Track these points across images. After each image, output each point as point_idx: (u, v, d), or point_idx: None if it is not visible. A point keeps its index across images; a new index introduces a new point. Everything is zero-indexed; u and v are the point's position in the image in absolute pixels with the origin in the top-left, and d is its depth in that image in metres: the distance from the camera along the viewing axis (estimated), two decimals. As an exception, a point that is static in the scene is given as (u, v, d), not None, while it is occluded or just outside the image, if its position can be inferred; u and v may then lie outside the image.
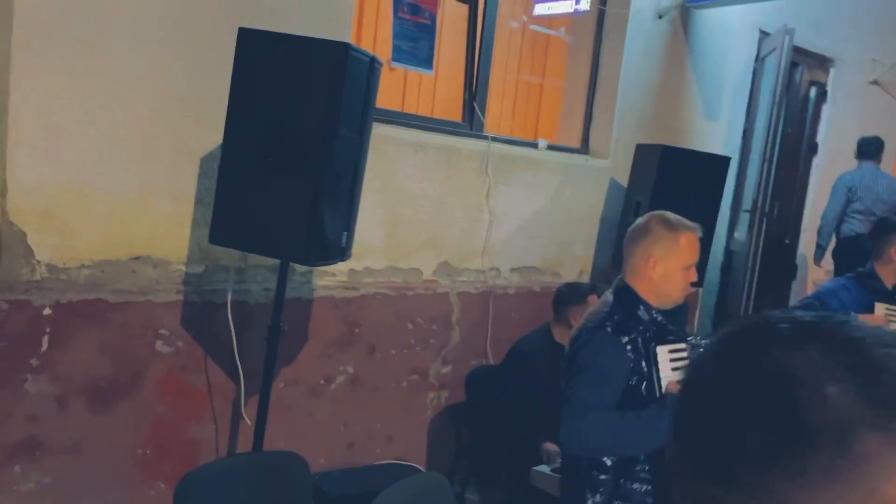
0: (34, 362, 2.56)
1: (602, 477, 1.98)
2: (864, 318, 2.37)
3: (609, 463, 1.98)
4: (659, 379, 1.95)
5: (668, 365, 1.96)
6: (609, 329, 1.98)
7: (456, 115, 3.99)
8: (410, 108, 3.98)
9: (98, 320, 2.70)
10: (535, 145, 4.11)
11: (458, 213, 3.76)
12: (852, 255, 4.54)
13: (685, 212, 3.83)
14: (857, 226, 5.03)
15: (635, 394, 1.96)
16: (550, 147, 4.18)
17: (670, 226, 2.07)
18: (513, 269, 4.05)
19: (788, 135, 5.31)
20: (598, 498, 1.98)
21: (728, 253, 5.05)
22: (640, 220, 2.15)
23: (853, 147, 5.36)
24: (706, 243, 3.99)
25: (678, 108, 4.70)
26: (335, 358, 3.37)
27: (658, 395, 1.95)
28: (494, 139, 3.86)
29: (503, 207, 3.91)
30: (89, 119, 2.61)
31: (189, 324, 2.91)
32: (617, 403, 1.94)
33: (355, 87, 2.43)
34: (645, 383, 1.96)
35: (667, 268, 2.03)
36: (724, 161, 3.95)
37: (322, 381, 3.34)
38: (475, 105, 3.89)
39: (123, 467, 2.80)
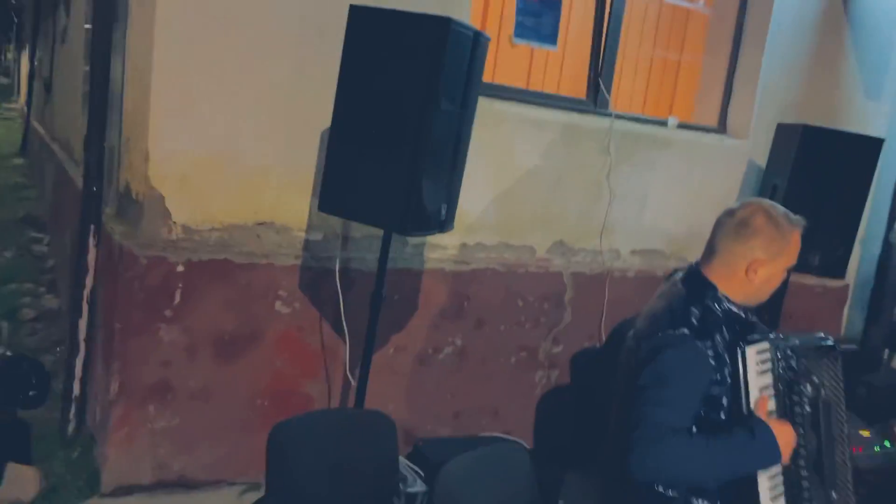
0: (168, 313, 2.85)
1: (662, 491, 1.83)
2: None
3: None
4: (748, 386, 1.75)
5: (755, 368, 1.76)
6: (688, 332, 1.78)
7: (582, 92, 3.91)
8: (535, 86, 3.95)
9: (225, 279, 2.95)
10: (664, 123, 3.94)
11: (576, 192, 3.70)
12: None
13: (828, 197, 3.59)
14: None
15: (716, 405, 1.77)
16: (682, 126, 4.00)
17: (779, 225, 1.85)
18: (633, 252, 3.93)
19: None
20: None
21: (887, 246, 4.57)
22: (739, 212, 1.89)
23: None
24: (849, 232, 3.67)
25: (833, 85, 4.30)
26: (444, 329, 3.45)
27: (746, 404, 1.75)
28: (619, 116, 3.75)
29: (625, 187, 3.80)
30: (223, 93, 2.85)
31: (306, 287, 3.11)
32: (697, 418, 1.75)
33: (457, 61, 2.46)
34: (728, 393, 1.77)
35: (771, 271, 1.85)
36: (875, 143, 3.58)
37: (431, 351, 3.44)
38: (600, 82, 3.80)
39: (244, 415, 3.05)
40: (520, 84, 3.85)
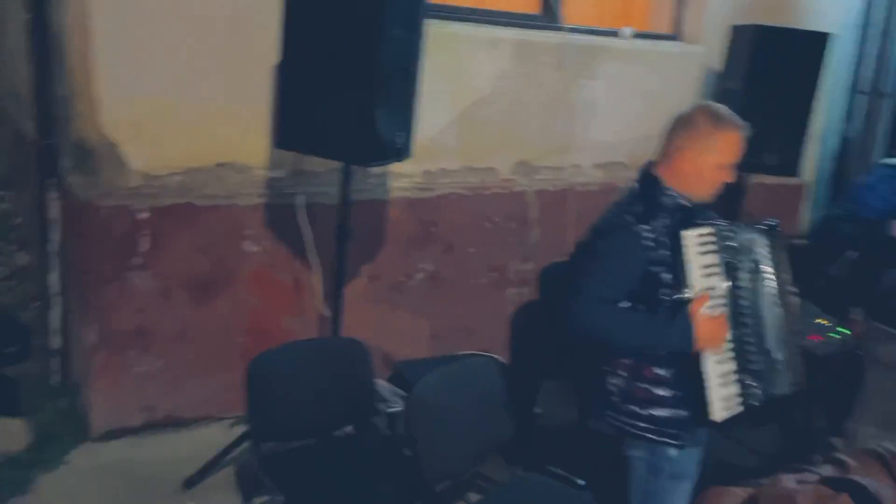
0: (137, 261, 2.88)
1: (624, 360, 2.00)
2: None
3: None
4: (687, 266, 1.90)
5: (697, 250, 1.91)
6: (631, 218, 1.94)
7: (535, 7, 3.87)
8: (487, 4, 3.90)
9: (190, 223, 2.97)
10: (618, 34, 3.93)
11: (535, 111, 3.72)
12: None
13: (780, 97, 3.63)
14: None
15: (656, 282, 1.92)
16: (637, 35, 3.99)
17: (715, 120, 1.96)
18: (596, 166, 3.99)
19: (924, 4, 4.71)
20: (619, 383, 2.01)
21: (844, 141, 4.66)
22: (687, 111, 2.05)
23: None
24: (800, 130, 3.74)
25: (786, -18, 4.29)
26: (414, 256, 3.52)
27: (686, 282, 1.90)
28: (573, 30, 3.73)
29: (584, 102, 3.81)
30: (166, 35, 2.80)
31: (273, 225, 3.14)
32: (634, 293, 1.92)
33: (401, -14, 2.44)
34: (670, 272, 1.91)
35: (699, 163, 1.95)
36: (821, 38, 3.60)
37: (403, 278, 3.52)
38: (552, -6, 3.76)
39: (225, 353, 3.13)
40: (469, 3, 3.80)
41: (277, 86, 2.61)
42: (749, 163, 3.72)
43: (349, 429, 2.59)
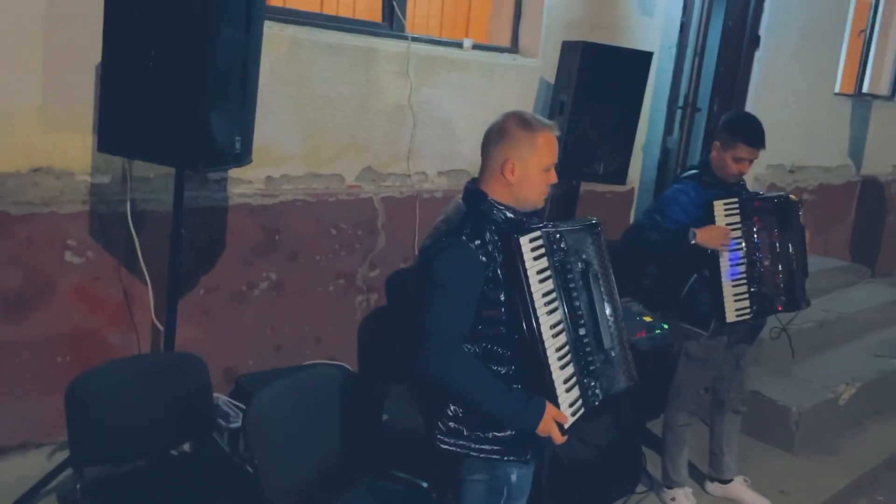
0: (-64, 275, 2.58)
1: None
2: (702, 234, 2.40)
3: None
4: (526, 272, 1.88)
5: (531, 255, 1.91)
6: (461, 237, 1.88)
7: (378, 16, 3.89)
8: (330, 10, 3.87)
9: (2, 233, 2.70)
10: (459, 45, 4.04)
11: (380, 118, 3.73)
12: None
13: (608, 109, 3.88)
14: None
15: (493, 303, 1.89)
16: (477, 47, 4.11)
17: (527, 125, 1.96)
18: (440, 173, 4.06)
19: (730, 28, 5.23)
20: (456, 408, 1.93)
21: (665, 151, 5.07)
22: (496, 121, 2.02)
23: (797, 40, 5.30)
24: (628, 141, 4.02)
25: (612, 3, 4.59)
26: (256, 265, 3.41)
27: (526, 290, 1.87)
28: (415, 39, 3.78)
29: (427, 110, 3.87)
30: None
31: (98, 234, 2.93)
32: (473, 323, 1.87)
33: (234, -15, 2.36)
34: (502, 289, 1.88)
35: (525, 170, 1.94)
36: (645, 56, 3.90)
37: (244, 288, 3.39)
38: (395, 4, 3.79)
39: (44, 374, 2.87)
40: (313, 9, 3.76)
41: (101, 85, 2.44)
42: (580, 171, 4.04)
43: (186, 447, 2.46)
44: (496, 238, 1.91)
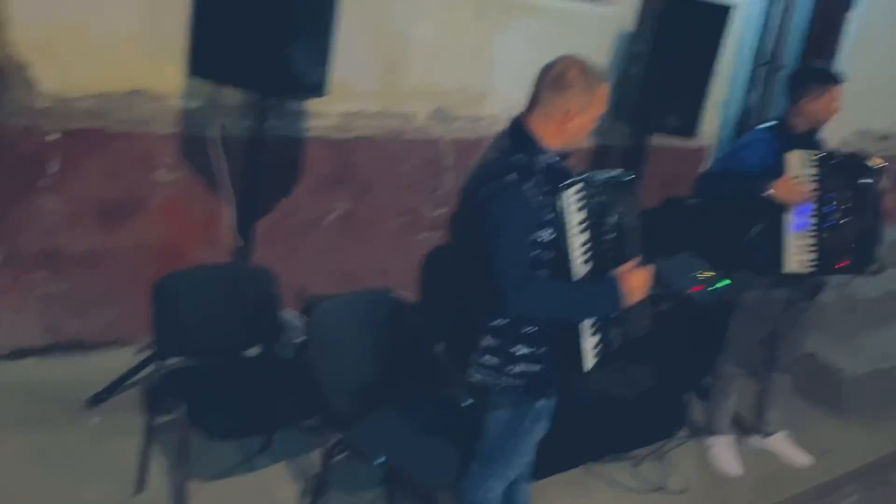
0: (46, 183, 2.88)
1: (496, 322, 2.01)
2: (778, 186, 2.42)
3: None
4: (568, 223, 1.94)
5: (574, 207, 1.96)
6: (513, 178, 1.91)
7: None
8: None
9: (102, 148, 2.98)
10: (537, -10, 4.05)
11: (455, 60, 3.82)
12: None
13: (683, 62, 3.85)
14: None
15: (544, 245, 1.94)
16: (555, -7, 4.12)
17: (590, 78, 1.99)
18: (510, 118, 4.12)
19: (826, -15, 5.01)
20: (495, 342, 2.02)
21: (745, 108, 4.96)
22: (557, 66, 2.03)
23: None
24: (700, 94, 3.98)
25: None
26: (328, 195, 3.61)
27: (567, 240, 1.95)
28: (494, -18, 3.83)
29: (502, 55, 3.93)
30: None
31: (187, 155, 3.17)
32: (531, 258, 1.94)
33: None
34: (551, 233, 1.94)
35: (583, 120, 1.99)
36: (724, 11, 3.82)
37: (317, 215, 3.61)
38: (475, -53, 3.83)
39: (135, 279, 3.16)
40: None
41: (193, 12, 2.62)
42: (651, 123, 4.04)
43: (256, 351, 2.70)
44: (543, 182, 1.95)
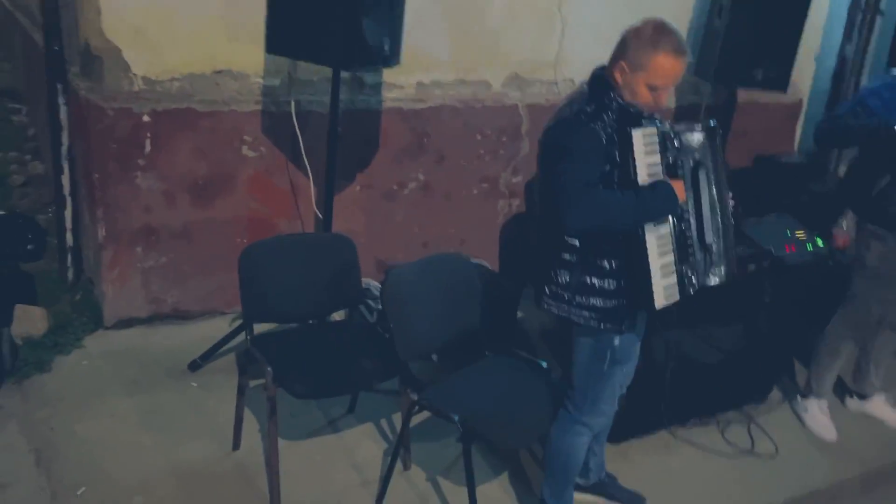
0: (141, 162, 3.06)
1: (568, 257, 2.10)
2: None
3: (577, 244, 2.08)
4: (635, 163, 1.99)
5: (643, 149, 2.00)
6: (583, 117, 2.01)
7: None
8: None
9: (190, 127, 3.13)
10: (614, -53, 3.94)
11: (529, 24, 3.78)
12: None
13: (771, 12, 3.66)
14: None
15: (609, 181, 2.02)
16: (633, -51, 3.99)
17: (654, 40, 2.00)
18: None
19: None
20: (567, 277, 2.11)
21: (841, 60, 4.67)
22: (639, 23, 2.08)
23: None
24: (790, 46, 3.77)
25: None
26: (406, 165, 3.67)
27: (633, 177, 1.99)
28: (566, -57, 3.75)
29: (577, 16, 3.86)
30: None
31: (269, 131, 3.30)
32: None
33: None
34: (619, 169, 2.01)
35: (631, 78, 2.01)
36: (815, -48, 3.61)
37: (395, 187, 3.67)
38: None
39: (226, 251, 3.32)
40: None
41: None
42: (738, 78, 3.87)
43: (339, 316, 2.80)
44: (615, 122, 2.01)
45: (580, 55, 3.95)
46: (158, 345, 3.16)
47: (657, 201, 2.02)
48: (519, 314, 3.50)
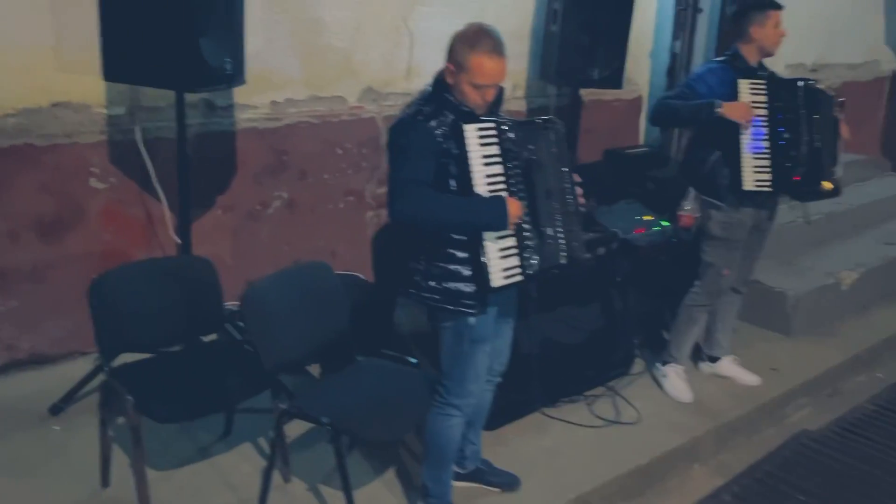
0: (-21, 202, 2.92)
1: (422, 245, 2.24)
2: (728, 106, 2.64)
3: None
4: (468, 155, 2.13)
5: (478, 142, 2.14)
6: (420, 118, 2.16)
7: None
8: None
9: (32, 163, 3.02)
10: (452, -39, 4.11)
11: (377, 38, 3.88)
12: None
13: (600, 15, 3.94)
14: None
15: (445, 173, 2.15)
16: (470, -39, 4.18)
17: (472, 42, 2.15)
18: (441, 90, 4.19)
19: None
20: (423, 264, 2.25)
21: (673, 56, 5.06)
22: (467, 24, 2.23)
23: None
24: (620, 45, 4.07)
25: None
26: (268, 184, 3.67)
27: (469, 170, 2.13)
28: (406, -44, 3.89)
29: (424, 28, 3.99)
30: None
31: (118, 161, 3.22)
32: (432, 182, 2.13)
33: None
34: (456, 162, 2.14)
35: (458, 79, 2.16)
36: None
37: (259, 206, 3.66)
38: (385, -78, 3.89)
39: (81, 290, 3.15)
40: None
41: (101, 17, 2.67)
42: (576, 78, 4.13)
43: (201, 341, 2.76)
44: (452, 120, 2.16)
45: (431, 65, 4.04)
46: (15, 393, 3.00)
47: (485, 212, 2.14)
48: (396, 320, 3.57)
